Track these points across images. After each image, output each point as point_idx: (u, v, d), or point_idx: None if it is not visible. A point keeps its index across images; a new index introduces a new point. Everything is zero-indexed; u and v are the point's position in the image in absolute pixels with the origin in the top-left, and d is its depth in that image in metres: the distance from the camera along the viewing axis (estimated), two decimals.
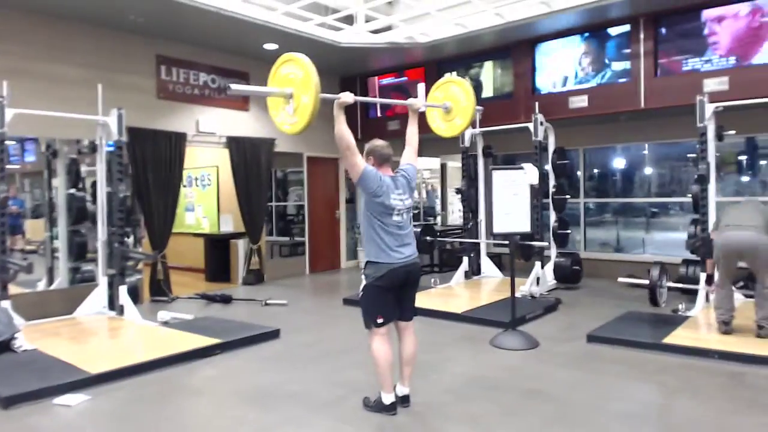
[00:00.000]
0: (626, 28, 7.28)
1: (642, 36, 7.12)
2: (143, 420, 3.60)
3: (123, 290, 6.07)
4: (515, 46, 8.20)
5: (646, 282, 5.19)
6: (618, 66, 7.43)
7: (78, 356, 4.55)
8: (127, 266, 6.32)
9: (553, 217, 7.68)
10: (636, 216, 9.16)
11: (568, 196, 7.98)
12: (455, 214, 13.80)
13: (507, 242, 5.84)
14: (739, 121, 6.38)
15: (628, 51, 7.30)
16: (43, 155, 7.06)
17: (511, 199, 5.37)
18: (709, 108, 5.81)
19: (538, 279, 6.97)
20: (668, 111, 7.22)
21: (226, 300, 7.29)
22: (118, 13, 6.61)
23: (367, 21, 7.77)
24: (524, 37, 7.94)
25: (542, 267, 7.11)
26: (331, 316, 6.58)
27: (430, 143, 8.30)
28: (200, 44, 7.97)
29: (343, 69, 9.67)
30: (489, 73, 8.74)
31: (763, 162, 8.11)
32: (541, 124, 7.31)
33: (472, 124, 7.98)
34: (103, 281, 6.24)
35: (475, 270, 8.14)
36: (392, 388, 3.54)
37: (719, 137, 5.97)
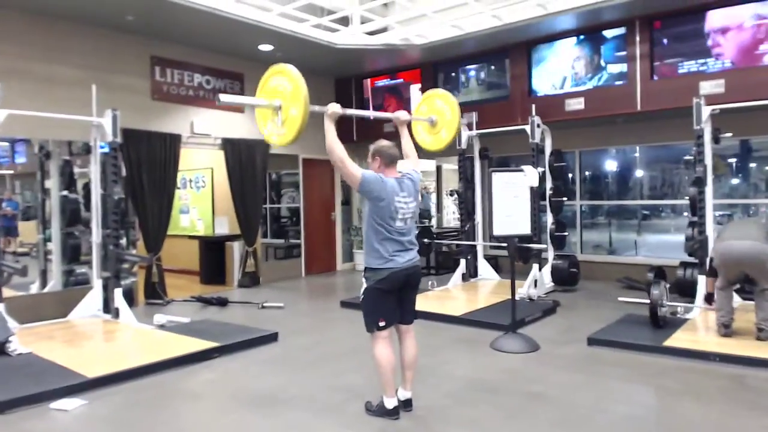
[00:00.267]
0: (622, 30, 7.31)
1: (638, 38, 7.14)
2: (141, 425, 3.55)
3: (118, 293, 6.01)
4: (512, 49, 8.21)
5: (647, 302, 5.20)
6: (614, 68, 7.45)
7: (74, 360, 4.49)
8: (122, 269, 6.25)
9: (550, 219, 7.68)
10: (628, 218, 9.20)
11: (565, 199, 7.98)
12: (449, 217, 13.82)
13: (505, 244, 5.83)
14: (735, 124, 6.42)
15: (624, 53, 7.32)
16: (35, 156, 6.98)
17: (511, 201, 5.36)
18: (706, 110, 5.84)
19: (536, 281, 6.98)
20: (664, 113, 7.24)
21: (222, 303, 7.23)
22: (112, 13, 6.55)
23: (362, 22, 7.75)
24: (521, 39, 7.94)
25: (540, 269, 7.11)
26: (328, 319, 6.54)
27: None
28: (195, 45, 7.92)
29: (338, 70, 9.65)
30: (485, 75, 8.75)
31: (752, 164, 8.17)
32: (538, 126, 7.31)
33: (469, 127, 8.04)
34: (97, 284, 6.17)
35: (472, 272, 8.13)
36: (395, 392, 3.52)
37: (716, 140, 5.99)
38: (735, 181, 8.28)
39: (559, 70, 7.91)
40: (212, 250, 9.24)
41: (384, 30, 8.11)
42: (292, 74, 3.38)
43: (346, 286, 8.87)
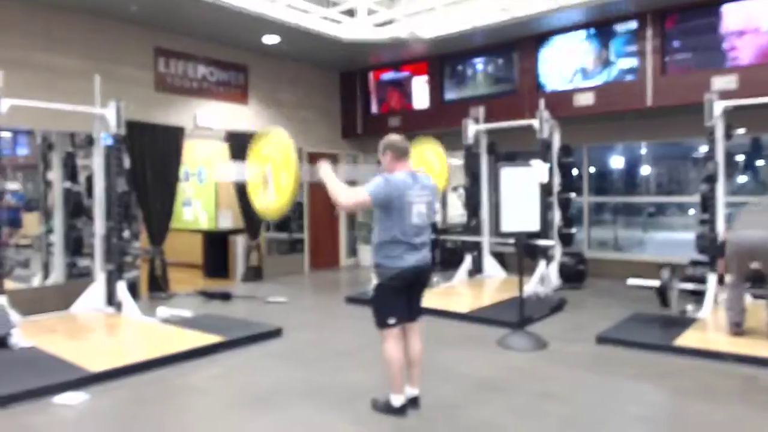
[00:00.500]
0: (633, 24, 7.20)
1: (649, 33, 7.04)
2: (145, 420, 3.49)
3: (122, 286, 5.95)
4: (520, 42, 8.10)
5: (656, 283, 5.10)
6: (625, 63, 7.35)
7: (77, 354, 4.42)
8: (126, 261, 6.19)
9: (557, 215, 7.59)
10: (634, 215, 9.11)
11: (573, 194, 7.89)
12: (452, 212, 13.71)
13: (512, 241, 5.75)
14: (747, 120, 6.31)
15: (635, 48, 7.22)
16: (38, 148, 6.91)
17: (520, 197, 5.27)
18: (718, 106, 5.74)
19: (543, 278, 6.90)
20: (675, 109, 7.14)
21: (225, 297, 7.17)
22: (116, 3, 6.48)
23: (369, 14, 7.65)
24: (529, 33, 7.84)
25: (547, 266, 7.03)
26: (333, 314, 6.48)
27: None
28: (199, 36, 7.82)
29: (343, 64, 9.55)
30: (493, 69, 8.65)
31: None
32: (546, 121, 7.22)
33: (476, 120, 7.93)
34: (100, 277, 6.11)
35: (477, 268, 8.05)
36: (403, 389, 3.45)
37: (728, 136, 5.90)
38: (744, 178, 8.19)
39: (568, 64, 7.80)
40: (215, 243, 9.17)
41: (390, 22, 8.02)
42: (282, 142, 3.49)
43: (350, 281, 8.80)
